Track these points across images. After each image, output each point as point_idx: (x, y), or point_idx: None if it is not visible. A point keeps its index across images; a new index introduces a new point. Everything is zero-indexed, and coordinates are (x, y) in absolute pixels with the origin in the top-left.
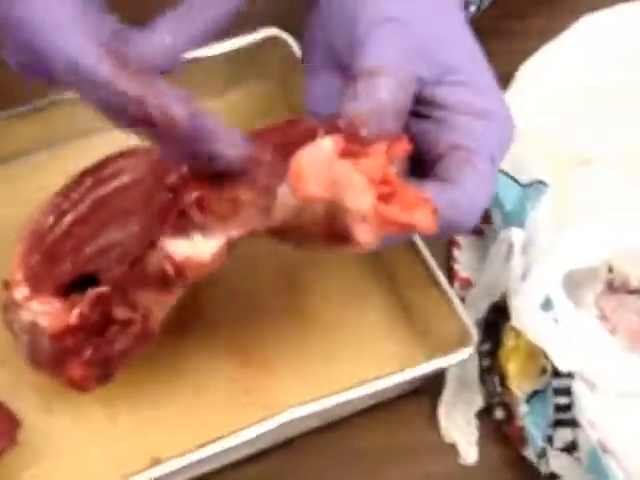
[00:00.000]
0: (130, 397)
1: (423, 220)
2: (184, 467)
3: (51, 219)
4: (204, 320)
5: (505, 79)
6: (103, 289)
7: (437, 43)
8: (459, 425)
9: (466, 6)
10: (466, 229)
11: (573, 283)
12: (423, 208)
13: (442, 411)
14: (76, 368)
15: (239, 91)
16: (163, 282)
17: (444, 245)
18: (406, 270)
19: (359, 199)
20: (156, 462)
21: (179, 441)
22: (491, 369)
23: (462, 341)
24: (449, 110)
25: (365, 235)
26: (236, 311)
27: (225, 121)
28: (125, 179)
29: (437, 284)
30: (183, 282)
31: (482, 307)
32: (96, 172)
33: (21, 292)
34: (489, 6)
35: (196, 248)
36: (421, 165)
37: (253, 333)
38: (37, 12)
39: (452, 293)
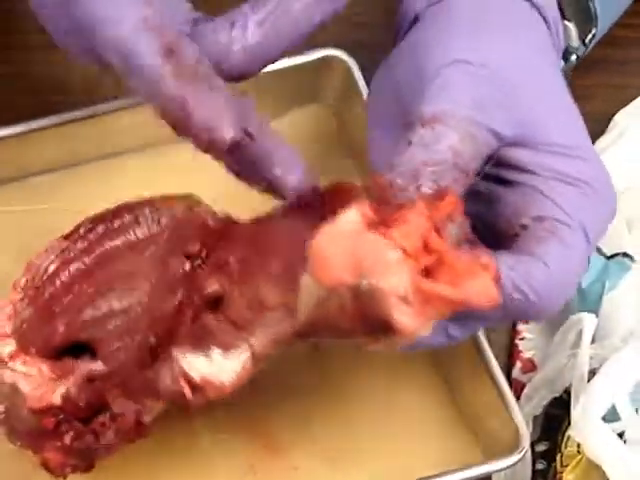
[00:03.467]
0: (125, 473)
1: (481, 290)
2: None
3: (52, 267)
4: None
5: (604, 120)
6: (97, 368)
7: (521, 95)
8: None
9: (566, 57)
10: (543, 314)
11: None
12: (481, 276)
13: None
14: (53, 452)
15: (290, 113)
16: (178, 399)
17: None
18: (453, 347)
19: (393, 277)
20: None
21: None
22: (546, 474)
23: (513, 443)
24: (535, 175)
25: (407, 319)
26: (259, 389)
27: None
28: (139, 233)
29: (490, 373)
30: (202, 402)
31: (542, 402)
32: (109, 220)
33: (7, 347)
34: None
35: (215, 367)
36: (500, 242)
37: (277, 414)
38: None
39: (505, 386)
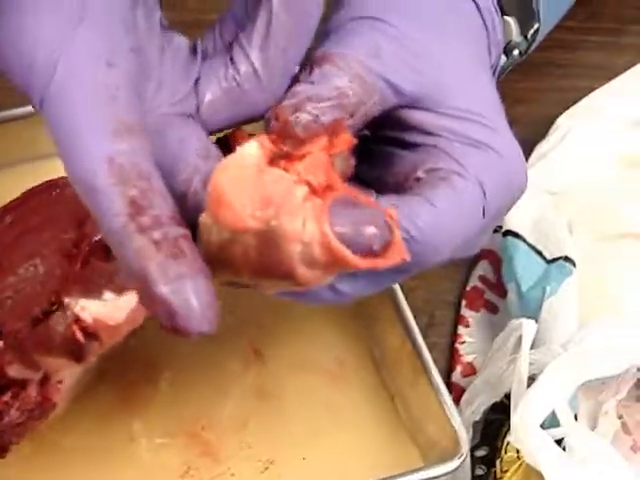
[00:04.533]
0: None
1: (392, 254)
2: None
3: None
4: (159, 393)
5: (546, 123)
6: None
7: (429, 58)
8: None
9: (507, 52)
10: (427, 258)
11: (591, 385)
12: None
13: None
14: None
15: None
16: (72, 349)
17: (449, 321)
18: (394, 352)
19: (299, 219)
20: None
21: None
22: (486, 479)
23: (453, 448)
24: (435, 137)
25: (307, 271)
26: (196, 387)
27: None
28: (42, 216)
29: (429, 377)
30: (96, 348)
31: (481, 407)
32: (16, 209)
33: None
34: None
35: (108, 307)
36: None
37: (214, 419)
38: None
39: (444, 390)
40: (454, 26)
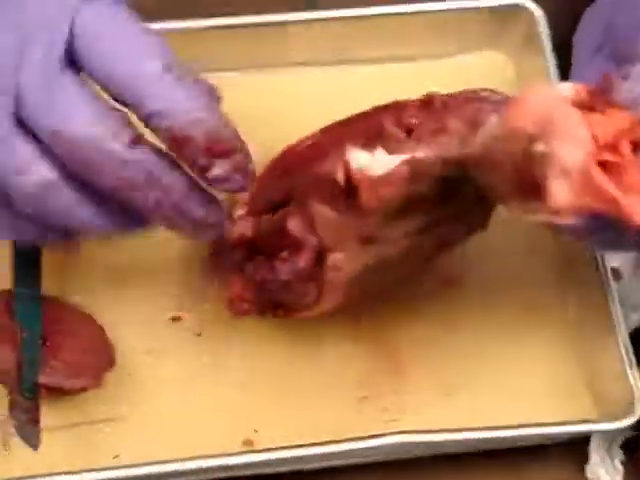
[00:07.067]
0: (244, 366)
1: (635, 208)
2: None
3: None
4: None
5: None
6: (291, 210)
7: None
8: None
9: None
10: None
11: None
12: None
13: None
14: (235, 284)
15: (470, 55)
16: (331, 194)
17: None
18: (586, 306)
19: (570, 149)
20: (247, 444)
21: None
22: None
23: (625, 407)
24: None
25: (562, 192)
26: (390, 308)
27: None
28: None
29: (615, 336)
30: (358, 204)
31: None
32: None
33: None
34: None
35: (374, 160)
36: None
37: (402, 337)
38: None
39: (630, 352)
40: None
